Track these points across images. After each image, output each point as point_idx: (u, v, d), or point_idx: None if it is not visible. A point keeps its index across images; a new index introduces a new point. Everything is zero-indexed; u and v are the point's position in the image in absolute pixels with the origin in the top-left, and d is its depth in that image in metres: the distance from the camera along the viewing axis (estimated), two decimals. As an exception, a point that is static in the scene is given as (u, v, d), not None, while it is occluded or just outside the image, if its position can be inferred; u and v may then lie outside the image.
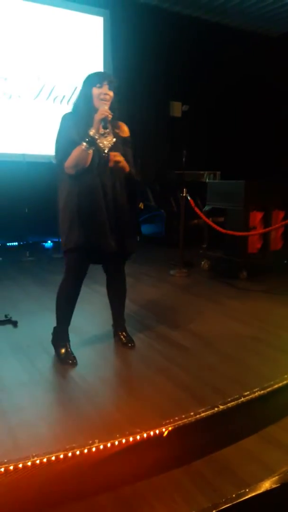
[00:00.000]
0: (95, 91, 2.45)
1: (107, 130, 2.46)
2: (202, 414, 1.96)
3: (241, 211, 4.54)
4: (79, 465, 1.69)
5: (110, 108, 2.44)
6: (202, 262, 5.09)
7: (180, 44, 7.22)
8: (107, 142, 2.49)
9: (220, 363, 2.58)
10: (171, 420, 1.89)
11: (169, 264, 5.13)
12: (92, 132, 2.39)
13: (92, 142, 2.39)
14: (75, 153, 2.36)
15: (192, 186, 5.35)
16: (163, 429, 1.84)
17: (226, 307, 3.69)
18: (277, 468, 1.84)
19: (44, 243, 6.39)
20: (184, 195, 4.88)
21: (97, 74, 2.51)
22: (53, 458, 1.64)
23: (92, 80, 2.47)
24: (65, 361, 2.54)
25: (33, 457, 1.62)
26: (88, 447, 1.70)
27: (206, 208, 5.01)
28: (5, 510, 1.56)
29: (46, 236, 6.32)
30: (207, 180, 7.09)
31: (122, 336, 2.84)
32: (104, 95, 2.45)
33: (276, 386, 2.25)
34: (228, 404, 2.05)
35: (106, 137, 2.49)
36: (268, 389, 2.21)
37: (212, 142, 7.62)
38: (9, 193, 5.70)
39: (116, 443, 1.75)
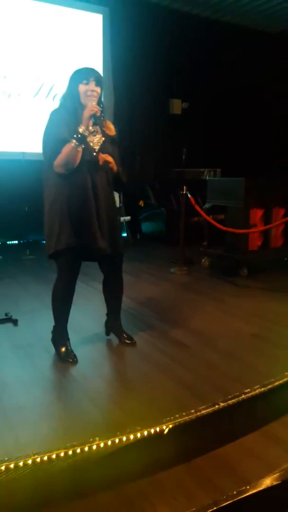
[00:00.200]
0: (82, 88, 2.41)
1: (97, 127, 2.44)
2: (203, 412, 1.95)
3: (241, 209, 4.53)
4: (80, 463, 1.69)
5: (97, 105, 2.41)
6: (203, 260, 5.09)
7: (180, 41, 7.20)
8: (96, 140, 2.45)
9: (221, 361, 2.58)
10: (172, 417, 1.89)
11: (169, 261, 5.13)
12: (81, 129, 2.35)
13: (82, 139, 2.34)
14: (65, 150, 2.31)
15: (192, 184, 5.34)
16: (164, 427, 1.84)
17: (226, 304, 3.69)
18: (278, 465, 1.84)
19: (44, 241, 6.37)
20: (184, 192, 4.88)
21: (83, 71, 2.45)
22: (54, 456, 1.64)
23: (78, 76, 2.43)
24: (65, 359, 2.54)
25: (33, 455, 1.62)
26: (89, 445, 1.70)
27: (206, 205, 5.00)
28: (5, 508, 1.56)
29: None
30: (207, 177, 7.08)
31: (123, 335, 2.82)
32: (91, 92, 2.41)
33: (276, 383, 2.24)
34: (229, 402, 2.05)
35: (95, 135, 2.45)
36: (269, 386, 2.20)
37: (212, 140, 7.60)
38: (9, 191, 5.70)
39: (117, 440, 1.75)
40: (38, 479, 1.62)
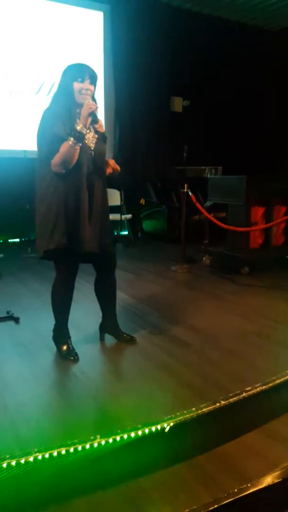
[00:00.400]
0: (76, 85, 2.37)
1: (96, 124, 2.43)
2: (204, 410, 1.96)
3: (243, 207, 4.53)
4: (81, 461, 1.69)
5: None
6: (204, 258, 5.09)
7: (181, 39, 7.18)
8: (90, 138, 2.44)
9: (222, 359, 2.58)
10: (173, 415, 1.89)
11: (170, 260, 5.12)
12: (79, 127, 2.33)
13: (81, 137, 2.32)
14: (62, 149, 2.27)
15: (193, 182, 5.34)
16: (165, 425, 1.84)
17: (227, 302, 3.69)
18: (279, 463, 1.84)
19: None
20: (185, 190, 4.87)
21: (78, 68, 2.40)
22: (55, 453, 1.64)
23: (73, 73, 2.38)
24: (66, 357, 2.54)
25: (35, 453, 1.62)
26: (90, 442, 1.71)
27: (208, 203, 5.00)
28: (7, 505, 1.56)
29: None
30: (208, 175, 7.07)
31: (122, 336, 2.81)
32: (85, 91, 2.37)
33: (278, 381, 2.24)
34: (230, 400, 2.05)
35: (88, 132, 2.43)
36: (270, 385, 2.20)
37: (213, 137, 7.58)
38: (10, 189, 5.69)
39: (118, 438, 1.75)
40: (39, 477, 1.63)
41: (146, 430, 1.80)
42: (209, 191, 5.05)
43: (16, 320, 3.16)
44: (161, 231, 6.67)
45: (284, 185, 4.82)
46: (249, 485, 1.71)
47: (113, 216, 6.22)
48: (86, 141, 2.40)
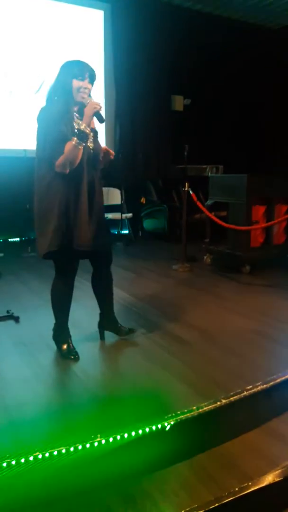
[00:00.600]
0: (76, 83, 2.34)
1: (103, 123, 2.42)
2: (205, 408, 1.95)
3: (244, 205, 4.52)
4: (82, 460, 1.69)
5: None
6: (205, 257, 5.08)
7: (182, 37, 7.16)
8: (90, 136, 2.42)
9: (223, 357, 2.57)
10: (173, 414, 1.88)
11: (171, 258, 5.12)
12: (83, 126, 2.30)
13: (84, 137, 2.29)
14: (66, 149, 2.25)
15: (194, 181, 5.32)
16: (165, 423, 1.84)
17: (228, 301, 3.68)
18: (280, 462, 1.84)
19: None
20: (186, 189, 4.86)
21: (78, 65, 2.37)
22: (55, 452, 1.64)
23: (73, 71, 2.35)
24: (67, 356, 2.54)
25: (35, 452, 1.62)
26: (91, 441, 1.70)
27: (209, 202, 4.99)
28: (7, 504, 1.56)
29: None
30: (209, 174, 7.06)
31: (121, 330, 2.81)
32: (83, 89, 2.35)
33: (278, 380, 2.24)
34: (231, 398, 2.05)
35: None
36: (271, 383, 2.20)
37: (214, 136, 7.57)
38: (10, 189, 5.69)
39: (119, 437, 1.75)
40: (39, 476, 1.62)
41: (147, 429, 1.80)
42: (210, 190, 5.04)
43: (16, 319, 3.16)
44: (161, 230, 6.67)
45: (285, 183, 4.81)
46: (250, 483, 1.71)
47: (114, 215, 6.23)
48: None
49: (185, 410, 1.91)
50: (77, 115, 2.40)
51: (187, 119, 7.37)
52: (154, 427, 1.81)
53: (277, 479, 1.75)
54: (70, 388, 2.27)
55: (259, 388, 2.15)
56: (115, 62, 6.89)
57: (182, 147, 5.08)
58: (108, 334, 2.87)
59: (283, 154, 7.50)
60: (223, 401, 2.02)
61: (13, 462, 1.58)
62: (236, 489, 1.68)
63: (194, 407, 1.94)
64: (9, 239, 6.22)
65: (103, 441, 1.72)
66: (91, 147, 2.42)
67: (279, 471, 1.79)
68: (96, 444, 1.71)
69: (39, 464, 1.61)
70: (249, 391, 2.11)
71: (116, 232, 6.55)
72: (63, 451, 1.65)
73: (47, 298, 2.62)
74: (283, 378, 2.26)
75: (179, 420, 1.87)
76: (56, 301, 2.59)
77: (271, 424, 2.12)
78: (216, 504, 1.61)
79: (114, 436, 1.74)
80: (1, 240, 6.11)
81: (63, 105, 2.35)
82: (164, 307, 3.50)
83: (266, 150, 7.76)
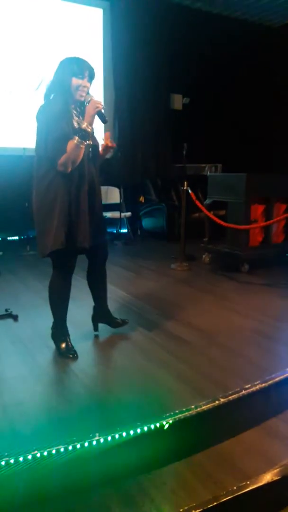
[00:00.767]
0: (75, 81, 2.33)
1: (106, 123, 2.43)
2: (203, 407, 1.95)
3: (242, 204, 4.52)
4: (80, 458, 1.69)
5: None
6: (203, 256, 5.08)
7: (181, 36, 7.15)
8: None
9: (221, 356, 2.57)
10: (172, 413, 1.89)
11: (170, 257, 5.12)
12: (84, 125, 2.30)
13: (86, 136, 2.29)
14: (68, 148, 2.24)
15: (193, 179, 5.33)
16: (164, 422, 1.84)
17: (227, 300, 3.68)
18: (278, 461, 1.84)
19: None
20: (185, 188, 4.86)
21: (78, 63, 2.36)
22: (54, 451, 1.64)
23: (73, 68, 2.34)
24: (65, 355, 2.54)
25: (33, 450, 1.62)
26: (89, 440, 1.70)
27: (207, 201, 4.99)
28: (5, 502, 1.56)
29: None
30: (208, 173, 7.06)
31: (115, 321, 2.87)
32: (82, 87, 2.34)
33: (277, 379, 2.24)
34: (229, 397, 2.05)
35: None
36: (269, 382, 2.20)
37: (213, 135, 7.57)
38: (9, 187, 5.68)
39: (117, 436, 1.75)
40: (38, 474, 1.62)
41: (145, 428, 1.80)
42: (208, 189, 5.04)
43: (15, 318, 3.15)
44: (160, 229, 6.66)
45: (284, 182, 4.81)
46: (248, 482, 1.71)
47: (113, 214, 6.23)
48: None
49: (184, 409, 1.91)
50: (75, 112, 2.40)
51: (186, 118, 7.36)
52: (152, 426, 1.81)
53: (275, 478, 1.76)
54: (69, 386, 2.26)
55: (257, 387, 2.15)
56: (114, 60, 6.88)
57: (181, 146, 5.08)
58: (106, 332, 2.87)
59: (282, 153, 7.50)
60: (222, 400, 2.02)
61: (12, 461, 1.58)
62: (235, 488, 1.68)
63: (193, 406, 1.94)
64: (8, 238, 6.22)
65: (102, 440, 1.72)
66: (90, 144, 2.42)
67: (277, 470, 1.79)
68: (94, 442, 1.71)
69: (38, 463, 1.61)
70: (248, 390, 2.11)
71: (115, 231, 6.55)
72: (62, 449, 1.65)
73: (46, 297, 2.62)
74: (281, 377, 2.26)
75: (177, 419, 1.87)
76: (55, 299, 2.59)
77: (270, 423, 2.12)
78: (214, 503, 1.61)
79: (112, 434, 1.74)
80: (0, 239, 6.11)
81: (63, 104, 2.34)
82: (163, 306, 3.50)
83: (265, 149, 7.75)
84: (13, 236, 6.22)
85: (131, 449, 1.77)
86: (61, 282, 2.54)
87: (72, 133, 2.27)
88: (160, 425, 1.82)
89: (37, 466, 1.61)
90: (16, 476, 1.59)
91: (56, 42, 6.27)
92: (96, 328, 2.89)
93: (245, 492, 1.68)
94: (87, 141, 2.33)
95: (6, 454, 1.59)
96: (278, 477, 1.76)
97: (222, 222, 4.59)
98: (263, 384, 2.17)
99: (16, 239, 6.21)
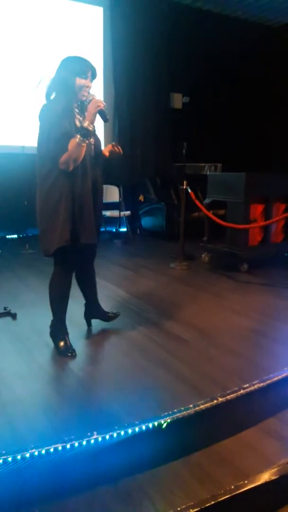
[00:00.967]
0: (79, 81, 2.35)
1: (107, 122, 2.45)
2: (201, 406, 1.95)
3: (242, 204, 4.52)
4: (78, 457, 1.69)
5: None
6: (203, 255, 5.08)
7: (181, 35, 7.15)
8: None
9: (220, 356, 2.57)
10: (170, 412, 1.89)
11: (169, 257, 5.12)
12: (86, 123, 2.31)
13: (87, 135, 2.30)
14: (70, 147, 2.26)
15: (192, 179, 5.32)
16: (162, 421, 1.84)
17: (226, 300, 3.68)
18: (276, 460, 1.84)
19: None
20: (184, 187, 4.86)
21: (81, 63, 2.38)
22: (52, 449, 1.64)
23: (77, 68, 2.35)
24: (64, 353, 2.54)
25: (31, 449, 1.62)
26: (87, 439, 1.70)
27: (207, 200, 4.98)
28: (3, 501, 1.56)
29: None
30: (207, 172, 7.06)
31: (108, 315, 2.93)
32: (85, 88, 2.37)
33: (275, 378, 2.24)
34: (228, 397, 2.05)
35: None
36: (268, 382, 2.20)
37: (212, 134, 7.57)
38: (8, 185, 5.68)
39: (115, 435, 1.75)
40: (36, 473, 1.62)
41: (143, 427, 1.80)
42: (208, 188, 5.04)
43: (14, 316, 3.15)
44: (160, 228, 6.66)
45: (284, 182, 4.81)
46: (246, 481, 1.71)
47: (112, 213, 6.22)
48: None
49: (182, 408, 1.92)
50: (77, 110, 2.43)
51: (185, 117, 7.36)
52: (150, 425, 1.81)
53: (273, 477, 1.76)
54: (67, 385, 2.26)
55: (256, 386, 2.15)
56: (114, 59, 6.87)
57: (181, 145, 5.07)
58: (105, 331, 2.87)
59: (282, 152, 7.50)
60: (220, 399, 2.02)
61: (10, 459, 1.58)
62: (232, 487, 1.68)
63: (191, 405, 1.94)
64: (7, 236, 6.21)
65: (100, 439, 1.72)
66: (92, 143, 2.44)
67: (275, 469, 1.79)
68: (92, 441, 1.71)
69: (36, 461, 1.61)
70: (246, 390, 2.11)
71: (114, 230, 6.55)
72: (60, 448, 1.65)
73: (45, 295, 2.61)
74: (280, 377, 2.26)
75: (175, 418, 1.87)
76: (56, 297, 2.59)
77: (268, 422, 2.12)
78: (212, 502, 1.61)
79: (110, 433, 1.74)
80: (-1, 237, 6.11)
81: (66, 103, 2.36)
82: (162, 305, 3.50)
83: (265, 149, 7.75)
84: (12, 234, 6.22)
85: (129, 448, 1.77)
86: (62, 279, 2.55)
87: (74, 132, 2.29)
88: (158, 424, 1.83)
89: (35, 464, 1.61)
90: (14, 474, 1.59)
91: (56, 40, 6.26)
92: (89, 324, 2.94)
93: (243, 491, 1.68)
94: (89, 140, 2.35)
95: (4, 452, 1.59)
96: (276, 477, 1.76)
97: (221, 222, 4.59)
98: (261, 384, 2.18)
99: (15, 237, 6.20)
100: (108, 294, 3.49)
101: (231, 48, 7.39)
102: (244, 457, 1.86)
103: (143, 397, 2.09)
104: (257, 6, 7.35)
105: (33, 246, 5.51)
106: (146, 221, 7.01)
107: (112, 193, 6.59)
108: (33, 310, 3.27)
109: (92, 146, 2.46)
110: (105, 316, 2.94)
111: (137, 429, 1.79)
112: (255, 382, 2.17)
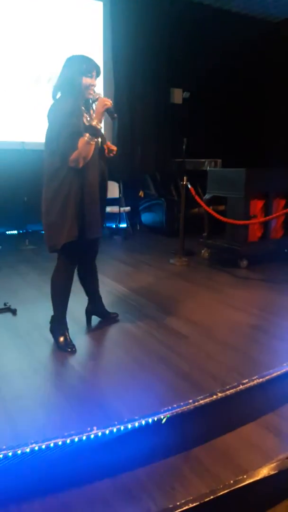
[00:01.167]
0: (85, 80, 2.39)
1: (115, 119, 2.47)
2: (201, 402, 1.96)
3: (242, 200, 4.51)
4: (78, 452, 1.69)
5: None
6: (202, 251, 5.08)
7: (182, 30, 7.11)
8: None
9: (219, 351, 2.58)
10: (170, 407, 1.89)
11: (169, 252, 5.12)
12: (94, 122, 2.36)
13: (96, 133, 2.35)
14: (80, 145, 2.30)
15: (192, 174, 5.31)
16: (162, 416, 1.84)
17: (225, 295, 3.69)
18: (275, 455, 1.85)
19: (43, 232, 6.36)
20: (184, 183, 4.85)
21: (87, 62, 2.41)
22: (52, 445, 1.64)
23: (82, 68, 2.38)
24: (64, 349, 2.55)
25: (31, 444, 1.62)
26: (87, 434, 1.71)
27: (207, 196, 4.98)
28: (3, 496, 1.57)
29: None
30: (207, 168, 7.04)
31: (109, 315, 2.94)
32: (92, 86, 2.41)
33: (274, 374, 2.25)
34: (227, 392, 2.05)
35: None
36: (267, 377, 2.21)
37: (213, 130, 7.54)
38: (8, 181, 5.66)
39: (115, 430, 1.75)
40: (36, 468, 1.63)
41: (143, 422, 1.81)
42: (208, 184, 5.03)
43: (14, 312, 3.16)
44: (159, 224, 6.65)
45: (284, 178, 4.80)
46: (245, 476, 1.72)
47: (112, 209, 6.21)
48: None
49: (181, 403, 1.92)
50: (83, 108, 2.46)
51: (186, 113, 7.33)
52: (150, 420, 1.82)
53: (272, 473, 1.77)
54: (67, 380, 2.27)
55: (255, 382, 2.16)
56: (114, 54, 6.83)
57: (181, 140, 5.06)
58: (104, 327, 2.88)
59: (282, 148, 7.48)
60: (219, 394, 2.03)
61: (10, 454, 1.58)
62: (231, 482, 1.69)
63: (190, 400, 1.95)
64: (7, 232, 6.21)
65: (100, 434, 1.73)
66: (99, 140, 2.49)
67: (274, 464, 1.80)
68: (92, 436, 1.71)
69: (36, 456, 1.62)
70: (245, 385, 2.12)
71: (114, 226, 6.54)
72: (60, 443, 1.66)
73: (45, 291, 2.62)
74: (279, 372, 2.27)
75: (175, 413, 1.88)
76: (58, 292, 2.60)
77: (267, 418, 2.13)
78: (211, 497, 1.62)
79: (110, 428, 1.75)
80: (-1, 233, 6.10)
81: (73, 102, 2.38)
82: (161, 300, 3.50)
83: (265, 144, 7.73)
84: (12, 230, 6.21)
85: (129, 443, 1.78)
86: (65, 274, 2.57)
87: (84, 130, 2.32)
88: (157, 419, 1.83)
89: (35, 459, 1.62)
90: (14, 469, 1.59)
91: (56, 35, 6.23)
92: (89, 321, 2.93)
93: (242, 486, 1.69)
94: (97, 138, 2.40)
95: (4, 447, 1.60)
96: (275, 471, 1.77)
97: (221, 217, 4.58)
98: (261, 379, 2.18)
99: (15, 233, 6.20)
100: (108, 290, 3.49)
101: (231, 43, 7.35)
102: (243, 452, 1.87)
103: (143, 392, 2.10)
104: (258, 1, 7.30)
105: (33, 242, 5.51)
106: (146, 217, 7.00)
107: (112, 189, 6.57)
108: (33, 306, 3.28)
109: (99, 144, 2.49)
110: (105, 316, 2.95)
111: (137, 424, 1.79)
112: (254, 377, 2.18)
